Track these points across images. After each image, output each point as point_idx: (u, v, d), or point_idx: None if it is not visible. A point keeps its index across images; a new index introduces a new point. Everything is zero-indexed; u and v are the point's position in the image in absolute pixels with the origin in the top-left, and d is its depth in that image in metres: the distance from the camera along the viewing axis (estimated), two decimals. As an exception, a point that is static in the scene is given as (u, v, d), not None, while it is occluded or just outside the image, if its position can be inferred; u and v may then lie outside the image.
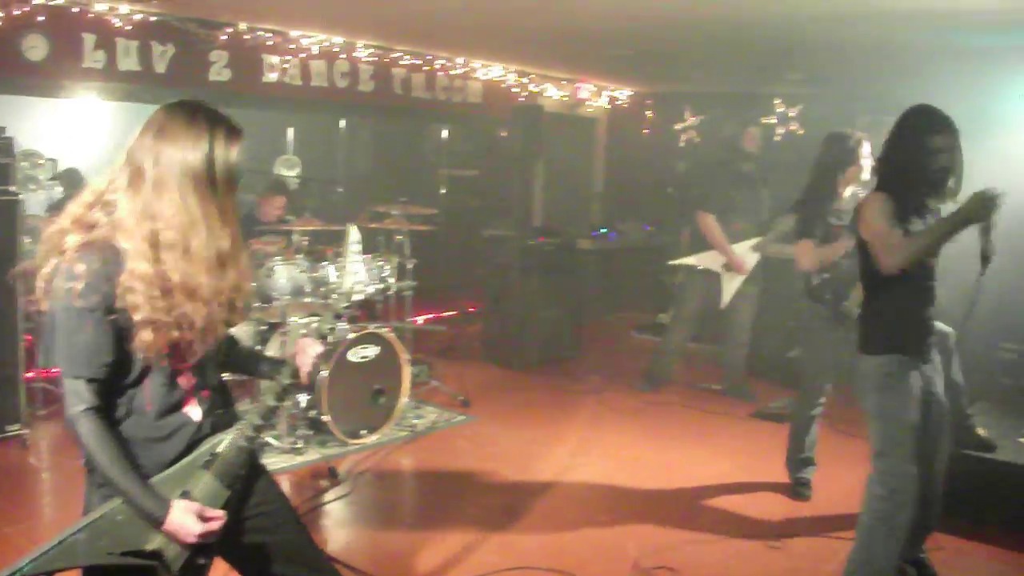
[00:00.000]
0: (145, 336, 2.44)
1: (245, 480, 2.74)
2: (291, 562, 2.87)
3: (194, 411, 2.66)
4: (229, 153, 2.56)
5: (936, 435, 4.32)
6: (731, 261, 7.78)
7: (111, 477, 2.45)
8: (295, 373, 2.89)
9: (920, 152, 4.03)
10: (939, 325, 5.74)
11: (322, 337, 2.95)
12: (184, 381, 2.63)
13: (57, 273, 2.42)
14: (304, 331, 2.84)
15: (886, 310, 4.15)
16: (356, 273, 3.11)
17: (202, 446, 2.66)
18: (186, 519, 2.50)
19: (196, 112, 2.54)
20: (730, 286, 7.82)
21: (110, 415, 2.52)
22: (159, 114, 2.53)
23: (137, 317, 2.42)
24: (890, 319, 4.15)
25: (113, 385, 2.50)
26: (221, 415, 2.75)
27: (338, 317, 3.04)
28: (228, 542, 2.69)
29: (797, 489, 5.85)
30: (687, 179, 9.51)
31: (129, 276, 2.41)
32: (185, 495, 2.56)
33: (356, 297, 3.05)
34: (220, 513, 2.59)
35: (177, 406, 2.62)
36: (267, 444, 6.22)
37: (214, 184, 2.53)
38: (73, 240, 2.45)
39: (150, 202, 2.46)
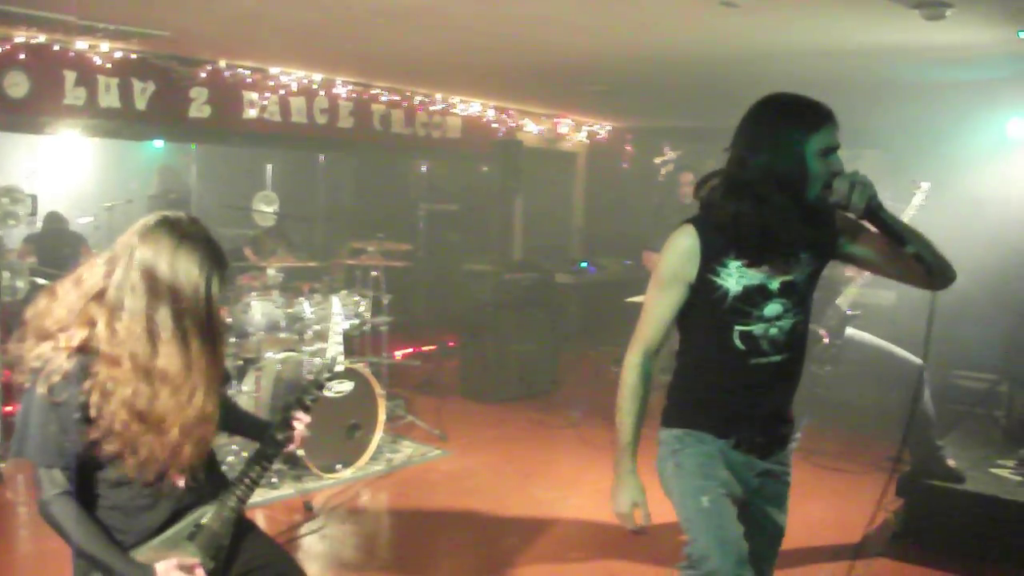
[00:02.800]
0: (110, 447, 2.49)
1: (231, 542, 2.77)
2: None
3: (179, 479, 2.68)
4: (218, 291, 2.62)
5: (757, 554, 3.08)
6: None
7: (91, 554, 2.49)
8: (280, 442, 2.93)
9: None
10: (907, 356, 5.82)
11: (304, 407, 2.99)
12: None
13: (41, 360, 2.47)
14: (291, 402, 2.91)
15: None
16: (339, 344, 3.17)
17: (187, 517, 2.70)
18: (173, 575, 2.54)
19: (207, 247, 2.58)
20: None
21: (93, 486, 2.57)
22: (167, 236, 2.54)
23: (102, 427, 2.47)
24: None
25: (93, 460, 2.54)
26: (205, 485, 2.77)
27: (320, 387, 3.08)
28: None
29: None
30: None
31: (104, 395, 2.46)
32: None
33: (338, 368, 3.11)
34: (196, 560, 2.62)
35: (162, 475, 2.64)
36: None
37: (212, 327, 2.60)
38: (69, 336, 2.48)
39: (145, 322, 2.49)
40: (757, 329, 2.95)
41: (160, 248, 2.51)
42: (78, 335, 2.48)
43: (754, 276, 2.90)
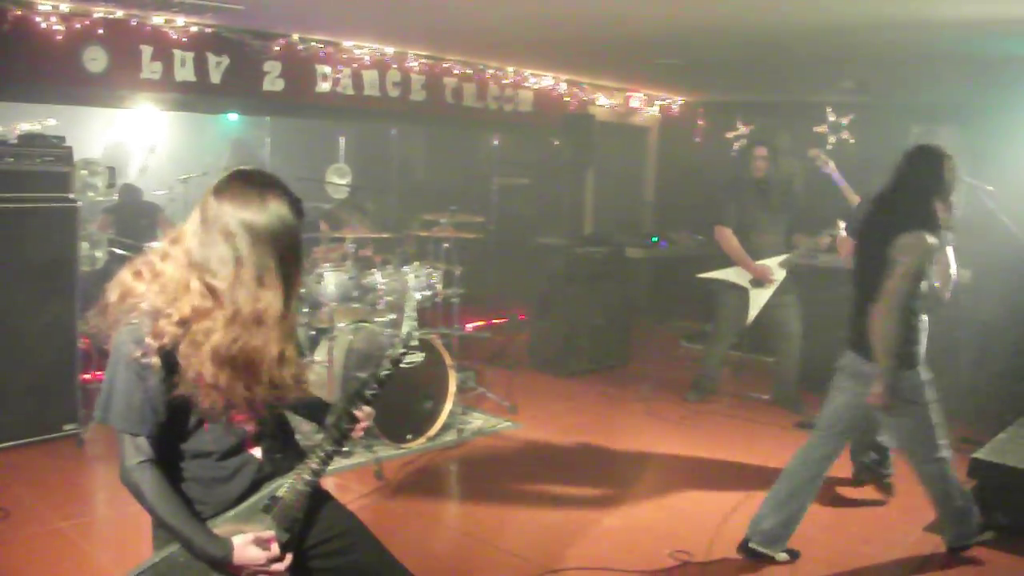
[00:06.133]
0: (204, 405, 2.51)
1: (307, 512, 2.80)
2: None
3: (256, 451, 2.72)
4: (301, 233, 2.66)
5: None
6: (753, 272, 7.75)
7: (171, 526, 2.51)
8: (352, 419, 2.92)
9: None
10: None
11: (379, 383, 3.00)
12: (244, 423, 2.69)
13: (125, 326, 2.48)
14: (367, 381, 2.94)
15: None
16: (414, 323, 3.17)
17: (263, 489, 2.72)
18: (249, 551, 2.56)
19: (286, 192, 2.61)
20: (757, 301, 7.75)
21: (174, 458, 2.60)
22: (249, 187, 2.55)
23: (189, 377, 2.48)
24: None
25: (175, 431, 2.57)
26: (281, 457, 2.80)
27: (396, 363, 3.10)
28: (298, 573, 2.76)
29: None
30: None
31: (194, 345, 2.47)
32: None
33: (413, 344, 3.11)
34: (271, 534, 2.65)
35: (239, 448, 2.68)
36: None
37: (297, 270, 2.64)
38: (171, 305, 2.48)
39: (254, 271, 2.50)
40: None
41: (248, 199, 2.51)
42: (179, 303, 2.48)
43: None
